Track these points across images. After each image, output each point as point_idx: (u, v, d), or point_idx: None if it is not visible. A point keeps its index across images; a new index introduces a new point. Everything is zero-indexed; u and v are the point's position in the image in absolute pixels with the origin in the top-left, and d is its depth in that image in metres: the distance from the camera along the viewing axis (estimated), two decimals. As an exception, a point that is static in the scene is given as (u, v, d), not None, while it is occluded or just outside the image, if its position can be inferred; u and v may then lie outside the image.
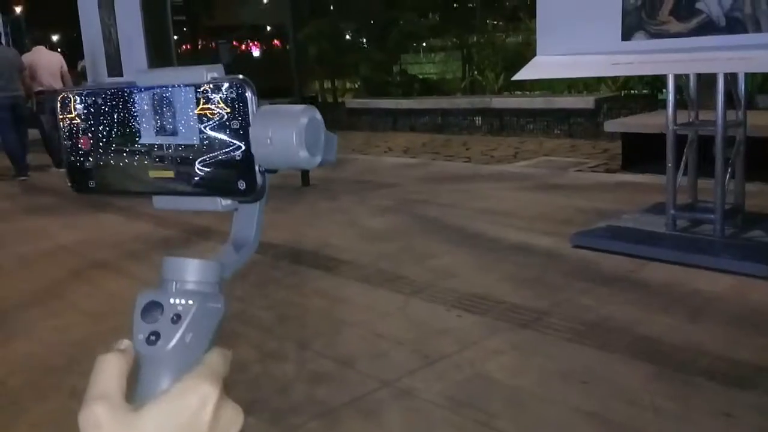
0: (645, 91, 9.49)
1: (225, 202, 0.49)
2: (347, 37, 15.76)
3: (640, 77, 9.02)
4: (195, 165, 0.47)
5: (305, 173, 6.16)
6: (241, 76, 0.45)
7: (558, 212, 4.71)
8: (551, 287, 3.27)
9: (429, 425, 2.17)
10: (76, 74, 10.24)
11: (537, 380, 2.39)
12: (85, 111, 0.51)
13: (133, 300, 0.46)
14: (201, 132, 0.46)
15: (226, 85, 0.45)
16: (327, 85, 15.85)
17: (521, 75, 4.19)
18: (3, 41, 10.56)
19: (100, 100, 0.50)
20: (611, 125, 6.77)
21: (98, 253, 4.47)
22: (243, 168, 0.45)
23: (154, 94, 0.48)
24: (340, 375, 2.55)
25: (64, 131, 0.52)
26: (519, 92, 11.21)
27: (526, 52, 11.10)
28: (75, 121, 0.51)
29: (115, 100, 0.49)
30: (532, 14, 11.62)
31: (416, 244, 4.23)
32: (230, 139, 0.45)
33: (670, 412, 2.14)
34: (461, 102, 10.56)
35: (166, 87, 0.47)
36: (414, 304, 3.20)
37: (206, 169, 0.47)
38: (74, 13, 8.46)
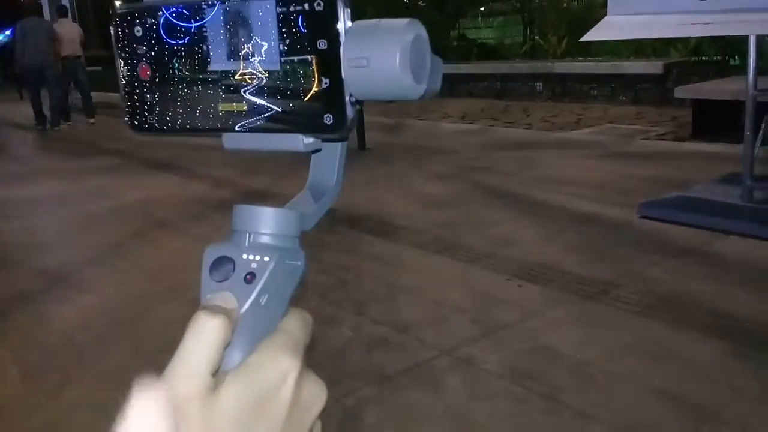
0: (717, 57, 9.02)
1: (307, 141, 0.41)
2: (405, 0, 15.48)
3: (713, 41, 8.58)
4: (274, 96, 0.39)
5: (361, 135, 6.09)
6: None
7: (624, 181, 4.52)
8: (618, 259, 3.14)
9: (490, 396, 2.11)
10: None
11: (604, 354, 2.29)
12: (144, 33, 0.43)
13: (195, 259, 0.40)
14: (282, 55, 0.38)
15: None
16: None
17: (591, 36, 3.99)
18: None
19: (161, 20, 0.42)
20: (682, 91, 6.44)
21: (159, 212, 4.54)
22: (331, 98, 0.38)
23: (226, 9, 0.40)
24: (397, 341, 2.50)
25: (120, 58, 0.44)
26: (581, 57, 10.82)
27: (588, 16, 10.69)
28: (133, 46, 0.43)
29: (179, 19, 0.41)
30: (594, -24, 11.15)
31: (475, 212, 4.13)
32: (317, 63, 0.38)
33: (749, 393, 2.01)
34: (522, 67, 10.26)
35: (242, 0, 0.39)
36: (473, 272, 3.13)
37: (287, 100, 0.39)
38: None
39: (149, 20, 0.42)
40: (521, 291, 2.86)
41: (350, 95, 0.38)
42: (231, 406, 0.34)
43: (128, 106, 0.45)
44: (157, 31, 0.42)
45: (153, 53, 0.43)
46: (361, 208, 4.23)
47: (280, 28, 0.38)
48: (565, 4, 12.43)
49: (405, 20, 0.37)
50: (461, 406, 2.08)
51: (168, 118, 0.44)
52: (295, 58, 0.38)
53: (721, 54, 8.93)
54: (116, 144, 7.87)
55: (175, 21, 0.42)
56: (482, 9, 15.98)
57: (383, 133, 6.82)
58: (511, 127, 7.71)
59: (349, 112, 0.38)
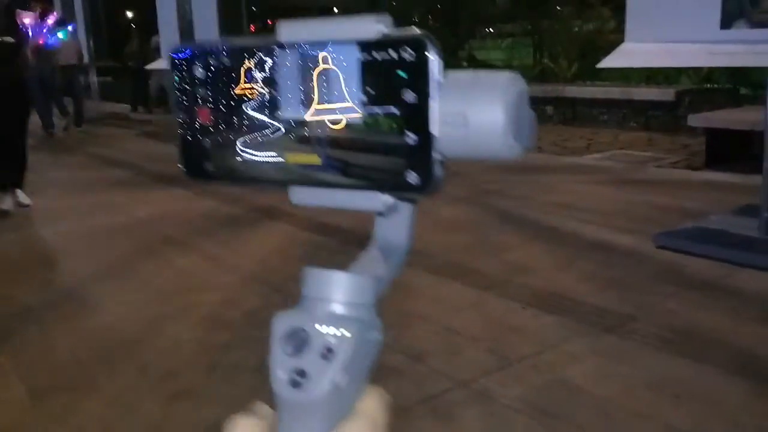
0: (728, 86, 9.01)
1: (388, 200, 0.37)
2: (415, 19, 15.58)
3: (725, 70, 8.57)
4: (351, 149, 0.36)
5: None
6: (420, 31, 0.34)
7: (638, 209, 4.48)
8: (635, 290, 3.09)
9: (508, 432, 2.05)
10: (149, 49, 10.98)
11: (624, 391, 2.23)
12: (208, 74, 0.39)
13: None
14: (363, 105, 0.35)
15: (400, 42, 0.33)
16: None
17: (608, 62, 3.97)
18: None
19: (228, 61, 0.38)
20: (695, 119, 6.41)
21: (168, 228, 4.50)
22: (417, 155, 0.34)
23: (301, 54, 0.36)
24: (410, 371, 2.45)
25: (178, 99, 0.41)
26: (591, 82, 10.83)
27: (598, 41, 10.72)
28: (193, 87, 0.40)
29: (248, 61, 0.38)
30: (604, 1, 11.15)
31: (488, 236, 4.09)
32: (403, 116, 0.34)
33: (776, 437, 1.96)
34: (532, 90, 10.17)
35: (320, 44, 0.35)
36: (487, 299, 3.08)
37: (366, 155, 0.35)
38: (151, -10, 8.67)
39: (213, 60, 0.39)
40: (537, 321, 2.81)
41: (440, 153, 0.34)
42: None
43: (184, 150, 0.41)
44: (222, 73, 0.39)
45: (215, 96, 0.39)
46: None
47: (362, 76, 0.35)
48: (576, 29, 12.47)
49: (507, 74, 0.34)
50: (479, 441, 2.02)
51: (226, 167, 0.40)
52: (379, 110, 0.34)
53: (733, 82, 8.93)
54: (124, 156, 7.86)
55: (243, 63, 0.38)
56: (491, 30, 16.06)
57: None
58: (522, 150, 7.67)
59: (437, 171, 0.34)
